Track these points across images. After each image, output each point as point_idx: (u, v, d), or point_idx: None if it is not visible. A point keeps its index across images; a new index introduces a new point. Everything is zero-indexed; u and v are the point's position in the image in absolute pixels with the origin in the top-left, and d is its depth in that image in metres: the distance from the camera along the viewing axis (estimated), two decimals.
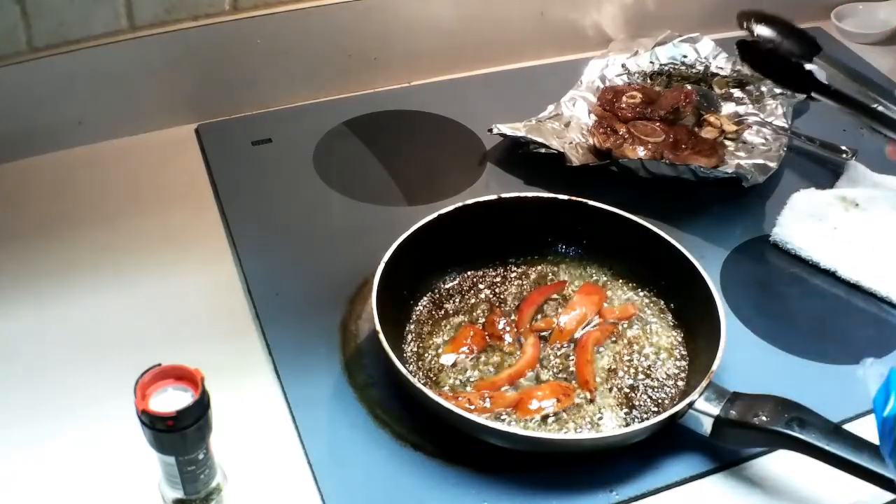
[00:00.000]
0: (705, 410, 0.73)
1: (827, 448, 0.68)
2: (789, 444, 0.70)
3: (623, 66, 1.22)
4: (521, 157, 1.08)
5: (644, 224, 0.89)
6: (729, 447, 0.76)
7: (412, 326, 0.85)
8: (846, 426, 0.80)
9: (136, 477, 0.70)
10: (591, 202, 0.90)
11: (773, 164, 1.04)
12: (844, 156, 1.10)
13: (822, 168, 1.10)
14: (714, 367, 0.75)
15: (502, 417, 0.77)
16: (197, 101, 1.11)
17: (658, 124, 1.07)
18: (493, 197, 0.91)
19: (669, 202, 1.02)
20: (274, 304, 0.88)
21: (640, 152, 1.03)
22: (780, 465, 0.74)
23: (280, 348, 0.84)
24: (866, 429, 0.80)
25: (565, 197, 0.91)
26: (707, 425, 0.73)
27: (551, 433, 0.76)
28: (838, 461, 0.68)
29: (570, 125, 1.12)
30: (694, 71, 1.23)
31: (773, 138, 1.11)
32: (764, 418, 0.71)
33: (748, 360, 0.85)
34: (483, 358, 0.83)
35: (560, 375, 0.81)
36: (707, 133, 1.10)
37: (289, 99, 1.16)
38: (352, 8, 1.14)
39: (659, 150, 1.04)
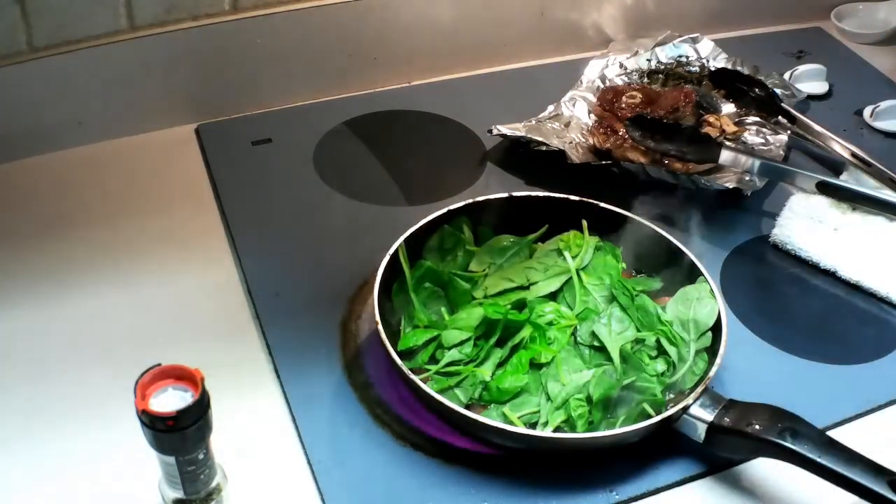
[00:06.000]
0: (700, 416, 0.73)
1: (819, 460, 0.68)
2: (781, 455, 0.70)
3: (622, 65, 1.22)
4: (521, 157, 1.08)
5: (649, 224, 0.89)
6: (722, 455, 0.76)
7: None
8: (846, 426, 0.80)
9: (136, 477, 0.70)
10: (601, 203, 0.91)
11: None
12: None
13: (823, 168, 1.10)
14: (711, 373, 0.75)
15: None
16: (197, 101, 1.11)
17: None
18: (504, 195, 0.91)
19: (669, 202, 1.02)
20: (274, 304, 0.88)
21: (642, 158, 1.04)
22: (776, 468, 0.74)
23: (280, 348, 0.84)
24: (866, 429, 0.81)
25: (577, 198, 0.91)
26: (701, 431, 0.73)
27: (549, 432, 0.76)
28: (830, 474, 0.67)
29: (570, 125, 1.12)
30: (693, 70, 1.23)
31: (773, 138, 1.11)
32: (757, 427, 0.71)
33: (748, 361, 0.85)
34: None
35: None
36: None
37: (289, 99, 1.16)
38: (352, 8, 1.14)
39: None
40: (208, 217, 0.99)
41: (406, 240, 0.85)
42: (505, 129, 1.09)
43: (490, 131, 1.09)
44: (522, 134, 1.08)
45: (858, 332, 0.91)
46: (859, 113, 1.21)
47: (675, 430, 0.75)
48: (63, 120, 1.05)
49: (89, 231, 0.97)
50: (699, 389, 0.74)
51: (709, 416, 0.73)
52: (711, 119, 1.11)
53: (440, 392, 0.76)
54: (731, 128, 1.10)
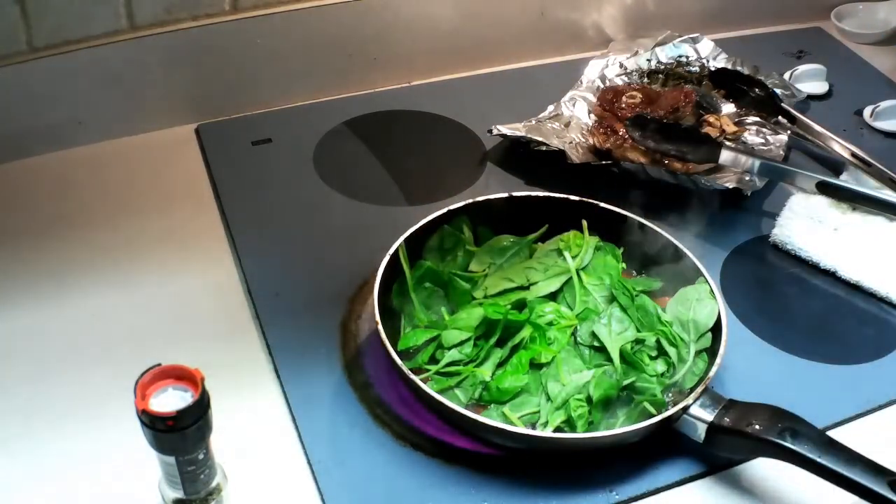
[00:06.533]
0: (700, 416, 0.73)
1: (819, 460, 0.68)
2: (781, 455, 0.70)
3: (622, 65, 1.22)
4: (521, 157, 1.08)
5: (649, 225, 0.89)
6: (722, 455, 0.76)
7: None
8: (846, 426, 0.80)
9: (136, 477, 0.70)
10: (601, 203, 0.91)
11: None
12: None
13: (823, 168, 1.10)
14: (711, 373, 0.76)
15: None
16: (197, 101, 1.11)
17: None
18: (504, 195, 0.91)
19: (669, 202, 1.02)
20: (274, 304, 0.88)
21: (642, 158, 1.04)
22: (776, 468, 0.74)
23: (280, 348, 0.84)
24: (866, 430, 0.81)
25: (577, 198, 0.91)
26: (701, 431, 0.73)
27: (549, 432, 0.76)
28: (830, 474, 0.67)
29: (570, 125, 1.12)
30: (693, 70, 1.23)
31: (773, 138, 1.11)
32: (757, 427, 0.71)
33: (748, 360, 0.85)
34: None
35: None
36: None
37: (289, 99, 1.16)
38: (352, 8, 1.14)
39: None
40: (208, 217, 0.99)
41: (406, 240, 0.85)
42: (505, 129, 1.09)
43: (490, 131, 1.09)
44: (522, 134, 1.08)
45: (858, 332, 0.91)
46: (859, 113, 1.21)
47: (675, 430, 0.75)
48: (63, 120, 1.05)
49: (89, 231, 0.97)
50: (699, 389, 0.74)
51: (709, 416, 0.73)
52: (711, 119, 1.11)
53: (440, 392, 0.76)
54: (731, 128, 1.10)
